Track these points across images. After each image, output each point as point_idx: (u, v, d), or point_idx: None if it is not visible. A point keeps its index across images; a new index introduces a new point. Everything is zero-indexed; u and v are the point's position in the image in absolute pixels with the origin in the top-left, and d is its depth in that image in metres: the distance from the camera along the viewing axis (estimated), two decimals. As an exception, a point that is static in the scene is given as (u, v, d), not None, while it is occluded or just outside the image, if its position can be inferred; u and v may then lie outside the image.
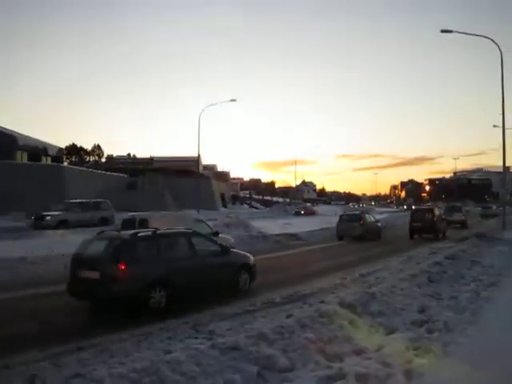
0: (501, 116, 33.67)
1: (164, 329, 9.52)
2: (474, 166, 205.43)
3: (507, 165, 38.31)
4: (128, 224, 19.59)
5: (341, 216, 34.75)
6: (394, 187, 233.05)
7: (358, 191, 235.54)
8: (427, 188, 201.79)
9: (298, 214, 76.88)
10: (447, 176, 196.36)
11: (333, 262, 20.31)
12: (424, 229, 32.61)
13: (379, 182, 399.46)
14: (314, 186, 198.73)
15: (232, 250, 14.79)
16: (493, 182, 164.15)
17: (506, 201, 40.67)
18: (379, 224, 35.17)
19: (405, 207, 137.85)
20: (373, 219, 34.60)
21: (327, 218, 59.67)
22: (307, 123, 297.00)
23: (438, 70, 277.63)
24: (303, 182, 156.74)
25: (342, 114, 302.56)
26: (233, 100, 58.94)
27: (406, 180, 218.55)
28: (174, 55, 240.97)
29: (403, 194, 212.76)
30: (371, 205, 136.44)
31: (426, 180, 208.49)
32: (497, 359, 6.57)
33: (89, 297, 11.67)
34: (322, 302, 10.79)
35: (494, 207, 72.11)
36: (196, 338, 8.42)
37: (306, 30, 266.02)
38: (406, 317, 9.32)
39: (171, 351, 6.98)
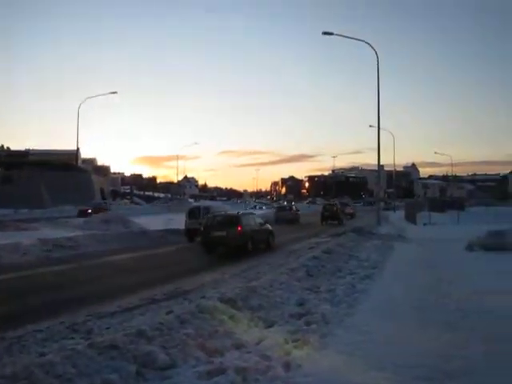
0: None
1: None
2: (351, 165, 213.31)
3: (381, 163, 41.08)
4: (195, 211, 28.57)
5: (277, 207, 54.53)
6: (275, 184, 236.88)
7: (239, 187, 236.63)
8: (307, 185, 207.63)
9: (81, 213, 47.11)
10: (326, 173, 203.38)
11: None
12: (331, 217, 45.79)
13: (260, 179, 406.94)
14: (196, 181, 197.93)
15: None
16: (368, 180, 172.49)
17: (380, 197, 48.38)
18: (299, 212, 49.37)
19: (285, 203, 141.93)
20: (296, 209, 50.16)
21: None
22: (189, 119, 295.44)
23: (318, 70, 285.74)
24: (185, 178, 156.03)
25: (224, 111, 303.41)
26: (113, 92, 58.04)
27: (286, 177, 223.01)
28: (51, 44, 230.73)
29: (284, 190, 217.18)
30: (251, 201, 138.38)
31: (305, 177, 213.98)
32: (370, 347, 6.82)
33: (217, 246, 21.59)
34: (203, 297, 10.77)
35: (393, 203, 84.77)
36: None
37: (187, 23, 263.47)
38: (286, 310, 9.45)
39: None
